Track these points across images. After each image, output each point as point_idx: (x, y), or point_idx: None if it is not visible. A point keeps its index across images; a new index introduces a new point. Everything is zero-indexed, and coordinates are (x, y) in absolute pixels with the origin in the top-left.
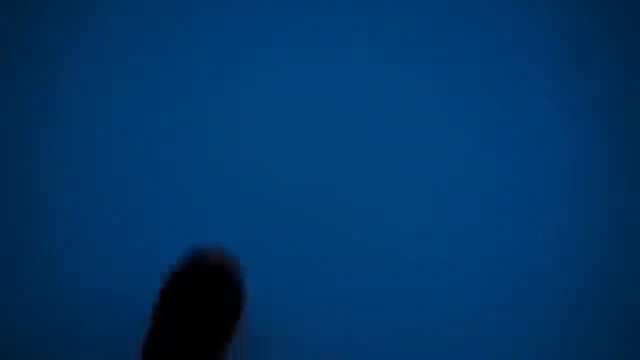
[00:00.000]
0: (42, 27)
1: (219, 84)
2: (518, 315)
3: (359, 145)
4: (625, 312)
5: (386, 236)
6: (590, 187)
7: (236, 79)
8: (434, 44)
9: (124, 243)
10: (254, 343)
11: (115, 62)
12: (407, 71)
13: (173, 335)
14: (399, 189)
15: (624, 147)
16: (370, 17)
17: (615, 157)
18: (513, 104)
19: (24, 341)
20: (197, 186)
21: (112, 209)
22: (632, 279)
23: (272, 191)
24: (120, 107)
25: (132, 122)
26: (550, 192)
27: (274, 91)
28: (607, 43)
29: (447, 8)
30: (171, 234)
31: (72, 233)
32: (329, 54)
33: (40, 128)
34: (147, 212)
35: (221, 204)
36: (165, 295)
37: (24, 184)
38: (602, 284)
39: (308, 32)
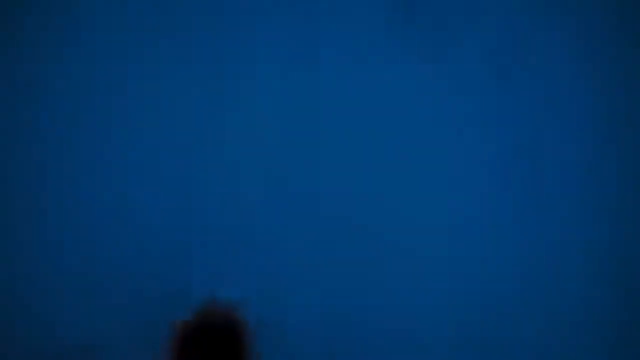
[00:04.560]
0: (33, 27)
1: (223, 88)
2: (521, 315)
3: (367, 147)
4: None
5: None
6: (592, 187)
7: (239, 79)
8: (437, 46)
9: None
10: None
11: (113, 64)
12: (408, 74)
13: None
14: (405, 189)
15: (626, 146)
16: (381, 19)
17: (622, 159)
18: (515, 109)
19: (21, 341)
20: (201, 189)
21: (109, 208)
22: (632, 279)
23: (283, 193)
24: (118, 110)
25: (133, 127)
26: (554, 191)
27: (283, 94)
28: (612, 43)
29: (450, 9)
30: (171, 235)
31: (68, 232)
32: (336, 57)
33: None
34: (150, 211)
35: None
36: (177, 350)
37: (20, 184)
38: (602, 285)
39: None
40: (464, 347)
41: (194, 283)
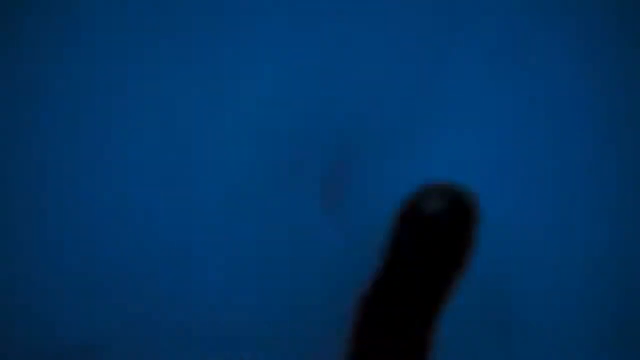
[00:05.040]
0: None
1: (217, 82)
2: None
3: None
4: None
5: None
6: (592, 187)
7: (239, 79)
8: (438, 42)
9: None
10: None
11: (113, 64)
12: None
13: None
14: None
15: (626, 146)
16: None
17: (622, 159)
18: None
19: (21, 343)
20: (201, 189)
21: (108, 206)
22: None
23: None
24: (116, 108)
25: (131, 122)
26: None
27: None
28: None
29: (450, 8)
30: (166, 233)
31: (67, 232)
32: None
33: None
34: (144, 210)
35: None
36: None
37: (18, 183)
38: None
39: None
40: (465, 347)
41: (194, 283)
